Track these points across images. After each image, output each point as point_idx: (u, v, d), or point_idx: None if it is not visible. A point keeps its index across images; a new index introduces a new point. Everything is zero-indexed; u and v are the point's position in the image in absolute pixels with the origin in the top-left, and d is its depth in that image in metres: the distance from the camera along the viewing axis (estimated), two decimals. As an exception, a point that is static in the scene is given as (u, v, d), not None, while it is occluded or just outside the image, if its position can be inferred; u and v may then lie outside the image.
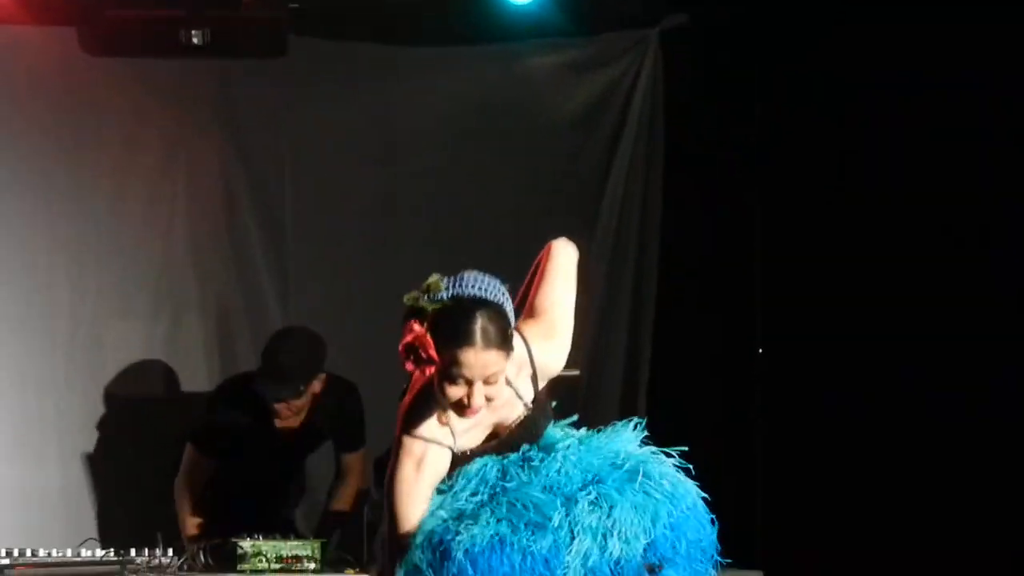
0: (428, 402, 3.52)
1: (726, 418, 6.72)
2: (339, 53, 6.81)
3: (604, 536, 3.45)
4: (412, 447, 3.52)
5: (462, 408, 3.47)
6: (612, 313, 7.00)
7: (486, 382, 3.42)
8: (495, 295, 3.47)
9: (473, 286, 3.45)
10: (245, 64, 6.73)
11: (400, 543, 3.46)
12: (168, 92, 6.76)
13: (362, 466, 5.89)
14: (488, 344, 3.40)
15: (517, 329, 3.58)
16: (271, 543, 5.32)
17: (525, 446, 3.58)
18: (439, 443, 3.53)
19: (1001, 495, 5.79)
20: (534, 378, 3.64)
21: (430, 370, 3.42)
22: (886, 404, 6.14)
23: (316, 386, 5.71)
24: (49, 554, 5.30)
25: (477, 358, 3.39)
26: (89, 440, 6.53)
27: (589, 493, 3.49)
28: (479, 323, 3.39)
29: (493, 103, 6.89)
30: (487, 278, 3.50)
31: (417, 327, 3.40)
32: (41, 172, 6.63)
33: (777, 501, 6.62)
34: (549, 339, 3.69)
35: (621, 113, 6.96)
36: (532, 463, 3.55)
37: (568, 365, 6.42)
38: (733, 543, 6.24)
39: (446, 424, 3.54)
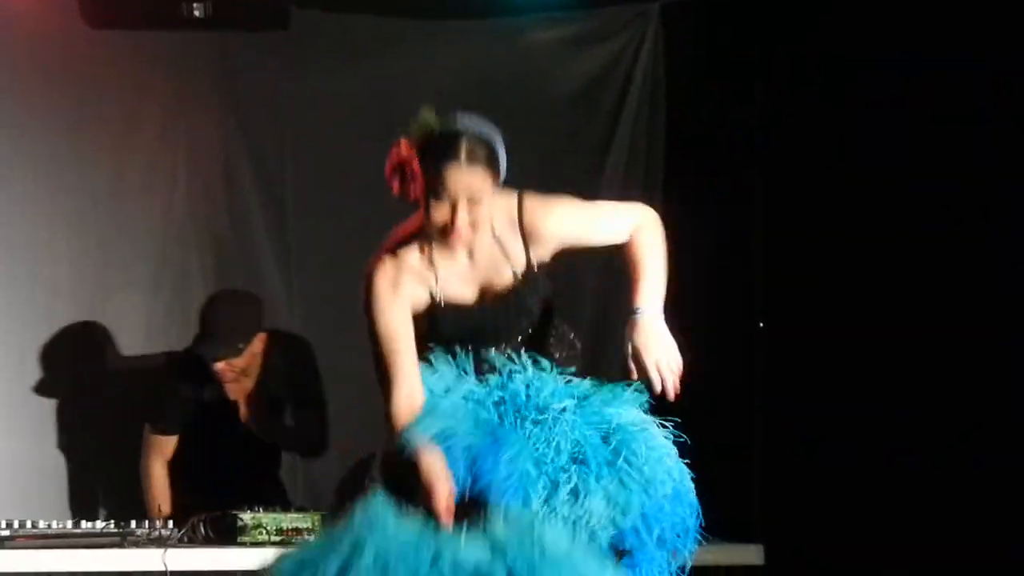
0: (414, 239, 3.61)
1: (726, 393, 6.71)
2: (341, 26, 6.81)
3: (574, 524, 3.46)
4: (387, 266, 3.61)
5: (447, 234, 3.51)
6: (611, 291, 6.99)
7: (470, 203, 3.49)
8: (486, 126, 3.60)
9: (464, 116, 3.61)
10: (246, 37, 6.73)
11: (385, 361, 3.55)
12: (169, 65, 6.75)
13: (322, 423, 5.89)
14: (472, 161, 3.50)
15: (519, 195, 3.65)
16: (271, 515, 5.34)
17: (522, 400, 3.55)
18: (418, 274, 3.60)
19: (1003, 471, 5.78)
20: (524, 240, 3.65)
21: (416, 191, 3.50)
22: (888, 380, 6.14)
23: (257, 345, 5.69)
24: (49, 525, 5.31)
25: (461, 174, 3.48)
26: (90, 414, 6.53)
27: (570, 479, 3.48)
28: (464, 142, 3.52)
29: (494, 78, 6.87)
30: (481, 118, 3.62)
31: (405, 147, 3.54)
32: (41, 145, 6.63)
33: (776, 474, 6.61)
34: (546, 204, 3.71)
35: (622, 88, 6.96)
36: (526, 423, 3.53)
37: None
38: (731, 517, 6.31)
39: (430, 264, 3.56)
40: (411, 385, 3.60)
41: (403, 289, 3.61)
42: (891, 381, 6.12)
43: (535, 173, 6.90)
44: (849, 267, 6.34)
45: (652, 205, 6.81)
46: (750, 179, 6.82)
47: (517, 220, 3.70)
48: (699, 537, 3.61)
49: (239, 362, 5.67)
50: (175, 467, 5.88)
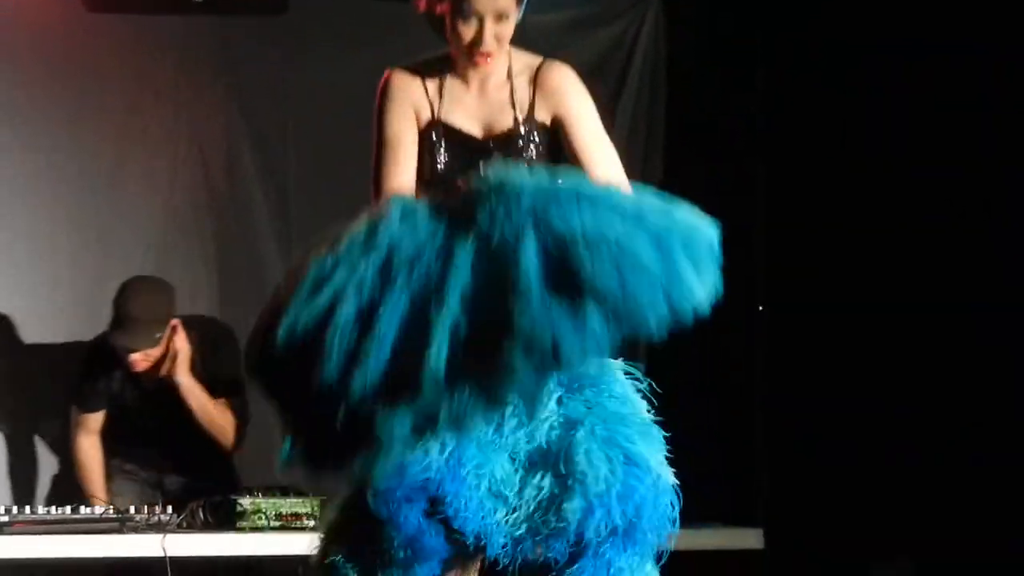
0: (431, 65, 3.66)
1: (728, 380, 6.71)
2: (341, 10, 6.79)
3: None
4: (402, 76, 3.70)
5: (473, 52, 3.54)
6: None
7: (496, 19, 3.52)
8: None
9: None
10: (246, 22, 6.71)
11: (382, 167, 3.64)
12: (169, 51, 6.74)
13: (244, 406, 5.73)
14: None
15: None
16: (270, 500, 5.33)
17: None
18: (427, 94, 3.64)
19: (1002, 456, 5.78)
20: (534, 91, 3.67)
21: (442, 8, 3.55)
22: (889, 366, 6.13)
23: (172, 332, 5.61)
24: (48, 511, 5.30)
25: None
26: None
27: (540, 488, 3.44)
28: None
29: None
30: None
31: None
32: (42, 134, 6.62)
33: (778, 460, 6.61)
34: (571, 74, 3.75)
35: (622, 73, 6.93)
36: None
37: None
38: (735, 501, 6.30)
39: (439, 89, 3.63)
40: (400, 188, 3.61)
41: (411, 101, 3.67)
42: (892, 367, 6.11)
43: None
44: (851, 253, 6.34)
45: (651, 180, 6.93)
46: (752, 166, 6.81)
47: (534, 72, 3.72)
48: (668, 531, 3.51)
49: (155, 352, 5.60)
50: (109, 440, 5.85)
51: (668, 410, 3.72)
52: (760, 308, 6.76)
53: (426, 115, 3.71)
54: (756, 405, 6.74)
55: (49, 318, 6.57)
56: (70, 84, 6.63)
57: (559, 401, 3.47)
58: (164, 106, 6.77)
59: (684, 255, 3.26)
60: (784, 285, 6.67)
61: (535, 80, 3.72)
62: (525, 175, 3.23)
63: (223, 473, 5.86)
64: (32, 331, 6.57)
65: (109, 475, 5.82)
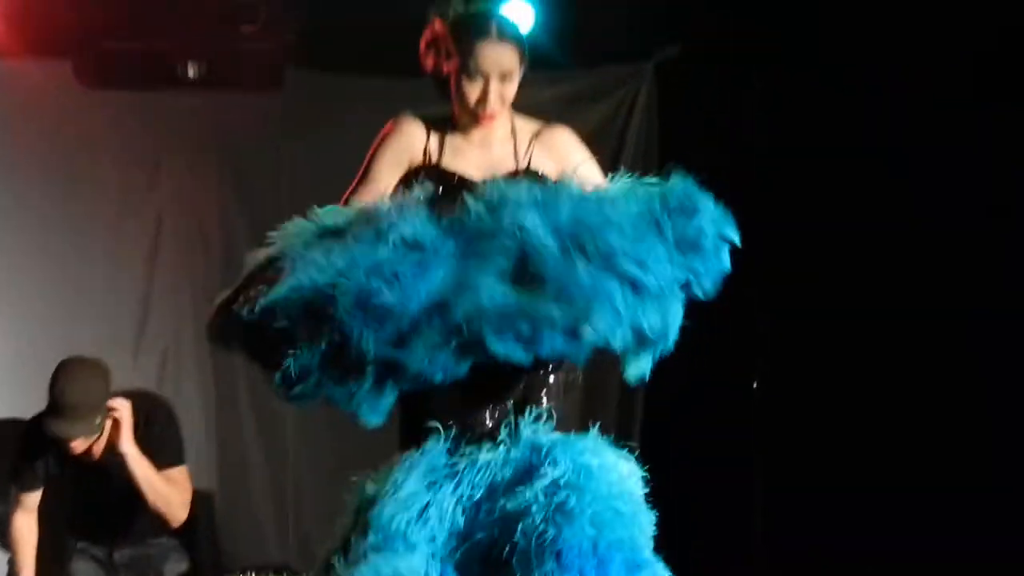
0: (438, 120, 3.74)
1: (724, 423, 6.72)
2: (334, 85, 6.83)
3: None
4: (409, 124, 3.76)
5: (480, 109, 3.65)
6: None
7: (501, 79, 3.65)
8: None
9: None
10: (241, 97, 6.73)
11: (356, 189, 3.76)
12: (163, 125, 6.77)
13: (186, 479, 5.55)
14: (503, 37, 3.64)
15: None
16: (265, 582, 5.28)
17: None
18: (420, 133, 3.74)
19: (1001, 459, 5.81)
20: (536, 144, 3.80)
21: (449, 67, 3.65)
22: (885, 371, 6.16)
23: (113, 412, 5.39)
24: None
25: (493, 50, 3.62)
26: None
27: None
28: (495, 20, 3.64)
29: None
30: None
31: (439, 24, 3.67)
32: (35, 205, 6.65)
33: (776, 499, 6.61)
34: (573, 136, 3.87)
35: (616, 147, 6.99)
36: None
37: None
38: (732, 547, 6.25)
39: (441, 141, 3.72)
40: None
41: (408, 148, 3.75)
42: (889, 371, 6.13)
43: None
44: (841, 306, 6.37)
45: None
46: (749, 231, 6.82)
47: (537, 131, 3.83)
48: None
49: (95, 437, 5.39)
50: (58, 519, 5.67)
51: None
52: (757, 381, 6.79)
53: (418, 162, 3.76)
54: (754, 449, 6.75)
55: (39, 381, 6.56)
56: (63, 159, 6.65)
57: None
58: (157, 176, 6.79)
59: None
60: (783, 332, 6.67)
61: (537, 137, 3.81)
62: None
63: (209, 553, 5.78)
64: (22, 393, 6.55)
65: (67, 555, 5.67)
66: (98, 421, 5.28)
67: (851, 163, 6.34)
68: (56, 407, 5.24)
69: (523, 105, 6.90)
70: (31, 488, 5.55)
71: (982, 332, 5.86)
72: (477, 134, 3.74)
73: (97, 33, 6.46)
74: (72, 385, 5.24)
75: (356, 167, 7.13)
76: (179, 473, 5.50)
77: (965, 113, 5.89)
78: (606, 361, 3.60)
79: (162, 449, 5.45)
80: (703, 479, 6.49)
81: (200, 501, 6.56)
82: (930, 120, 6.01)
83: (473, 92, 3.66)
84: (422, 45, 3.73)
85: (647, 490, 3.63)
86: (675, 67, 6.90)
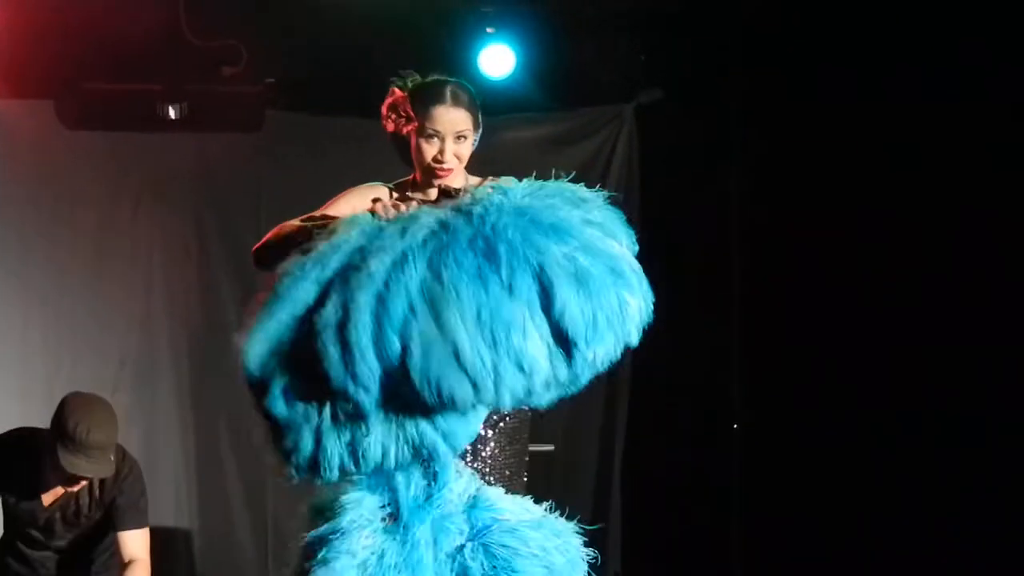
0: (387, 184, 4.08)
1: (701, 490, 6.72)
2: (315, 127, 6.86)
3: None
4: (370, 187, 4.09)
5: (435, 167, 3.97)
6: (588, 386, 6.99)
7: (456, 139, 3.99)
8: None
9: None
10: (222, 137, 6.75)
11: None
12: (144, 165, 6.77)
13: (145, 543, 5.38)
14: (457, 103, 4.02)
15: None
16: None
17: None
18: (383, 192, 4.03)
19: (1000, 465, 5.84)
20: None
21: (408, 128, 3.99)
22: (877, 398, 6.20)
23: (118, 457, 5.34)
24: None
25: (448, 113, 3.99)
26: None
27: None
28: (450, 87, 4.03)
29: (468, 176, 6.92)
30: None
31: (398, 92, 4.05)
32: (17, 243, 6.64)
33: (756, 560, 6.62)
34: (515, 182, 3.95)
35: (598, 186, 6.98)
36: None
37: (541, 440, 6.44)
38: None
39: (399, 194, 3.99)
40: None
41: (368, 200, 3.86)
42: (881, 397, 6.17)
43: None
44: (826, 356, 6.39)
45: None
46: (726, 276, 6.87)
47: (486, 181, 3.97)
48: None
49: (103, 478, 5.31)
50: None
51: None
52: (735, 425, 6.81)
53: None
54: (733, 518, 6.76)
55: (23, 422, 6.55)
56: (46, 198, 6.65)
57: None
58: (138, 217, 6.79)
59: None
60: (762, 384, 6.71)
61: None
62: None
63: None
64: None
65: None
66: (113, 458, 5.26)
67: (831, 202, 6.38)
68: (79, 446, 5.16)
69: (505, 146, 7.02)
70: None
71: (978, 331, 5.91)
72: (434, 192, 3.94)
73: (80, 74, 6.48)
74: (97, 426, 5.20)
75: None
76: (144, 536, 5.40)
77: (954, 155, 5.95)
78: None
79: (137, 511, 5.38)
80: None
81: (180, 538, 6.54)
82: (915, 161, 6.06)
83: (430, 151, 3.99)
84: (383, 110, 4.08)
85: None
86: (655, 109, 6.95)
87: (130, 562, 5.29)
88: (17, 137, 6.59)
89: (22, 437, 5.40)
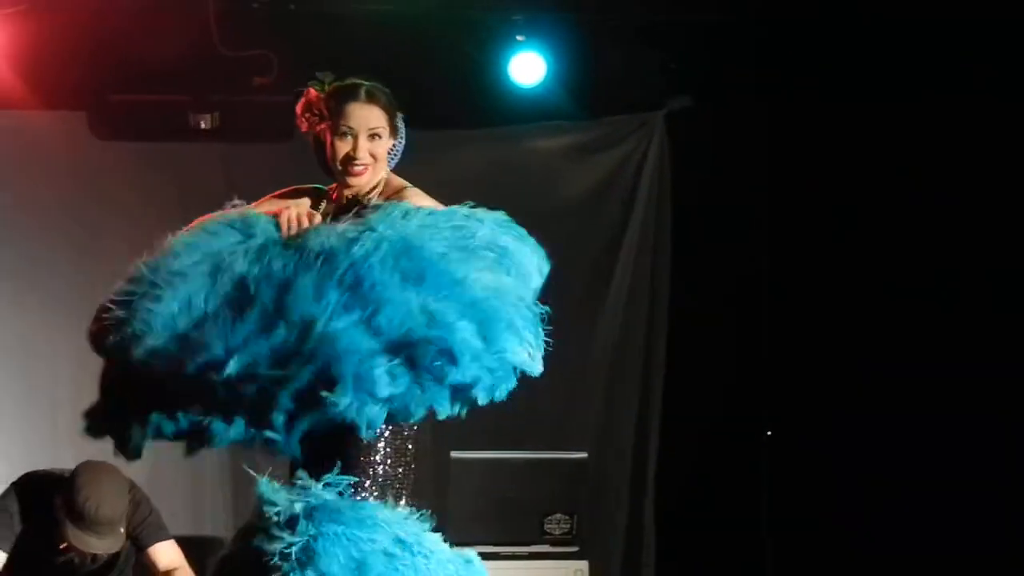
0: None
1: (734, 498, 6.71)
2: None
3: None
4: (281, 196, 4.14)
5: (349, 164, 3.93)
6: (619, 394, 7.00)
7: (370, 138, 3.94)
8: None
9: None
10: (252, 148, 6.75)
11: None
12: (174, 176, 6.77)
13: (177, 550, 5.37)
14: (372, 100, 3.97)
15: None
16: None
17: None
18: (308, 195, 4.10)
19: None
20: (395, 196, 3.99)
21: (321, 128, 3.96)
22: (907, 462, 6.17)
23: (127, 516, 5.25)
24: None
25: (361, 110, 3.95)
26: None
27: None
28: (365, 86, 3.99)
29: (500, 184, 6.91)
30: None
31: (313, 93, 4.01)
32: (46, 254, 6.65)
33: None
34: (423, 199, 4.02)
35: (629, 194, 7.03)
36: None
37: (574, 447, 6.42)
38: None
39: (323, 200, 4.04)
40: None
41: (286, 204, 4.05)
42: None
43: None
44: (859, 349, 6.38)
45: (661, 306, 6.99)
46: (757, 275, 6.85)
47: (399, 190, 4.04)
48: None
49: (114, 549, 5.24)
50: None
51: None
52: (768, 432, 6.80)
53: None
54: (766, 538, 6.74)
55: (47, 440, 6.54)
56: (78, 209, 6.67)
57: None
58: (167, 228, 6.78)
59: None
60: (791, 390, 6.68)
61: (397, 195, 3.99)
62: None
63: None
64: (28, 450, 6.52)
65: None
66: (122, 530, 5.18)
67: (865, 208, 6.37)
68: (88, 522, 5.10)
69: (535, 154, 7.01)
70: None
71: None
72: (350, 192, 3.99)
73: (111, 86, 6.50)
74: (107, 501, 5.12)
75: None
76: (173, 545, 5.39)
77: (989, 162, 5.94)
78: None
79: (157, 526, 5.35)
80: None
81: (219, 548, 6.49)
82: (950, 168, 6.05)
83: (343, 148, 3.94)
84: (298, 110, 4.06)
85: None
86: (686, 117, 6.93)
87: (171, 571, 5.29)
88: (49, 148, 6.62)
89: (52, 482, 5.33)
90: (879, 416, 6.31)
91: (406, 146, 6.88)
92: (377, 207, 3.81)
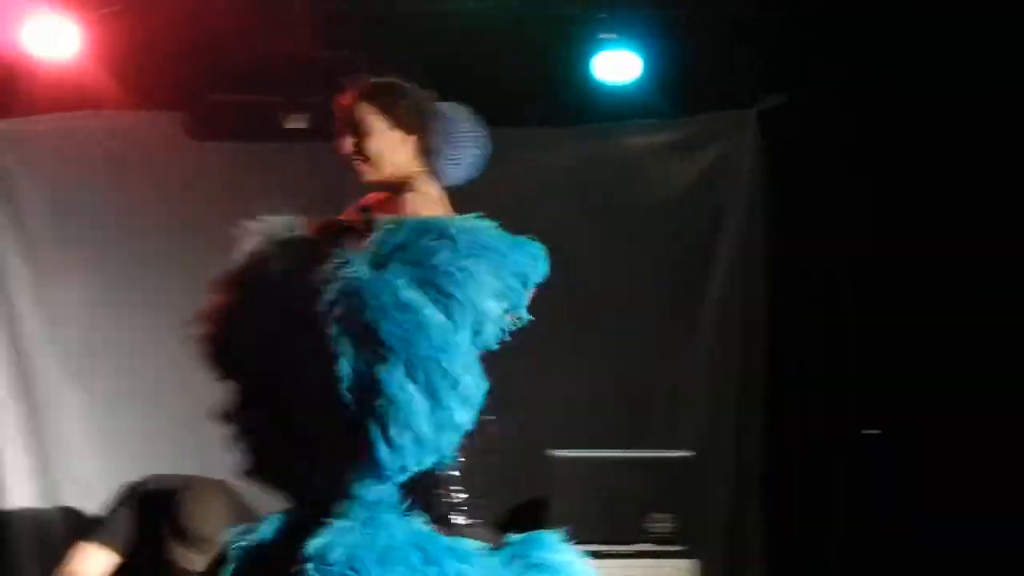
0: None
1: (839, 498, 6.66)
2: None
3: None
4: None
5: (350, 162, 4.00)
6: (720, 392, 6.97)
7: (360, 133, 3.98)
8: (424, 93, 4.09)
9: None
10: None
11: None
12: (267, 176, 6.81)
13: None
14: (363, 96, 4.00)
15: None
16: None
17: None
18: None
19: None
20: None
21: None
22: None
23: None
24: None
25: (346, 102, 4.00)
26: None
27: None
28: (364, 79, 4.05)
29: (591, 183, 6.94)
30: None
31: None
32: (142, 254, 6.72)
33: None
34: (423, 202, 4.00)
35: (722, 192, 7.01)
36: None
37: (679, 446, 6.39)
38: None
39: None
40: None
41: None
42: None
43: (638, 272, 6.99)
44: (970, 352, 6.30)
45: (757, 307, 6.95)
46: (855, 273, 6.79)
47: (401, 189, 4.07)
48: None
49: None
50: None
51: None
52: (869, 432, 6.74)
53: None
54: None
55: (152, 438, 6.59)
56: (172, 209, 6.71)
57: None
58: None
59: None
60: (891, 386, 6.60)
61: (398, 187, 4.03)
62: None
63: None
64: (137, 439, 6.61)
65: None
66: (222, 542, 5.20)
67: (968, 204, 6.28)
68: (187, 537, 5.16)
69: (626, 153, 6.99)
70: (106, 547, 5.34)
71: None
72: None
73: (205, 86, 6.55)
74: (205, 518, 5.15)
75: (461, 209, 7.16)
76: None
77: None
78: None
79: None
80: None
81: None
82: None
83: (341, 146, 4.06)
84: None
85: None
86: (780, 114, 6.89)
87: None
88: (144, 148, 6.68)
89: (164, 492, 5.34)
90: (986, 416, 6.22)
91: (496, 144, 6.91)
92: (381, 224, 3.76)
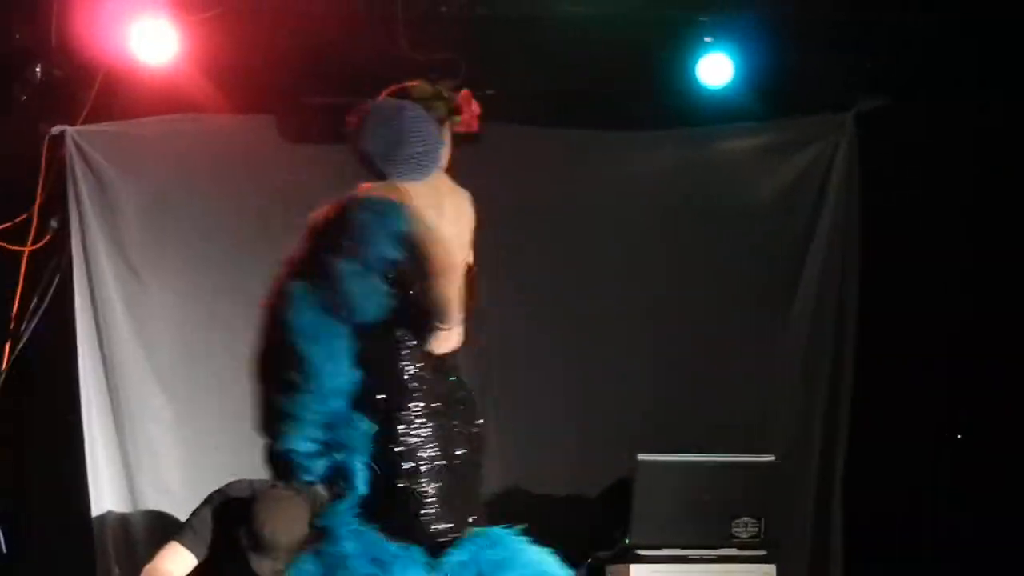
0: None
1: (925, 503, 6.57)
2: (532, 138, 6.86)
3: None
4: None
5: None
6: (809, 396, 6.92)
7: None
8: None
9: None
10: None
11: None
12: (359, 177, 6.83)
13: None
14: None
15: None
16: None
17: None
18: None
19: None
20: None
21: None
22: None
23: None
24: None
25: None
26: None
27: None
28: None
29: (690, 185, 6.91)
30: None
31: None
32: (235, 257, 6.72)
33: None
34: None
35: (818, 195, 6.98)
36: None
37: (763, 450, 6.36)
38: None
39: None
40: None
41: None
42: None
43: (733, 274, 6.95)
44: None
45: (850, 308, 6.88)
46: (951, 277, 6.71)
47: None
48: None
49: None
50: None
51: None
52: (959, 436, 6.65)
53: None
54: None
55: (230, 431, 6.59)
56: (267, 211, 6.71)
57: None
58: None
59: None
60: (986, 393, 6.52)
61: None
62: None
63: None
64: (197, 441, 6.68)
65: None
66: (298, 552, 5.17)
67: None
68: (263, 547, 5.21)
69: (722, 156, 6.96)
70: (190, 549, 5.44)
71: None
72: None
73: (299, 89, 6.59)
74: (280, 527, 5.19)
75: (553, 219, 7.18)
76: None
77: None
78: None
79: None
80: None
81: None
82: None
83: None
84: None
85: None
86: (878, 117, 6.82)
87: None
88: (239, 151, 6.74)
89: (242, 501, 5.42)
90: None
91: (598, 145, 6.89)
92: None
